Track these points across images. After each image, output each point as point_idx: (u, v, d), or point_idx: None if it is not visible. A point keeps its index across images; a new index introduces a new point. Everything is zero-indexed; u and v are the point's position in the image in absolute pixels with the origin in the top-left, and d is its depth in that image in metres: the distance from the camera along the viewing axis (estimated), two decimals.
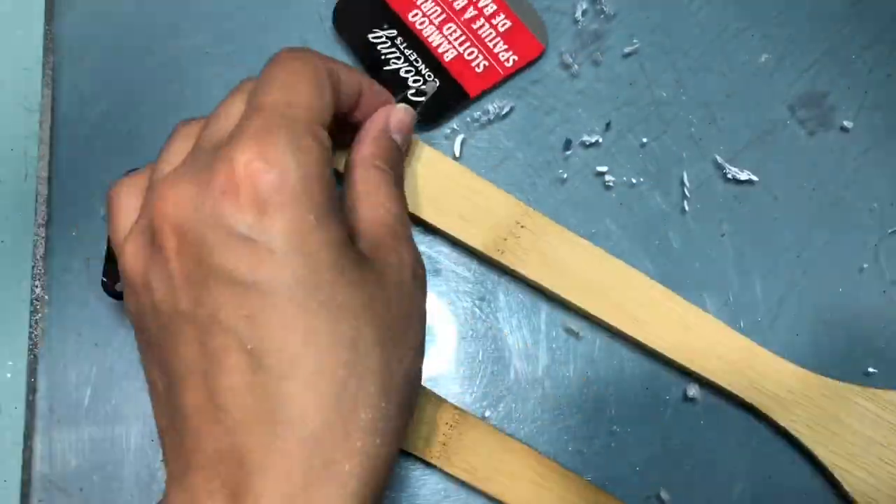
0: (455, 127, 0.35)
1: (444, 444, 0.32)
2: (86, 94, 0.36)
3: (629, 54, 0.37)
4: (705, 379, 0.33)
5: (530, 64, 0.36)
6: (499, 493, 0.31)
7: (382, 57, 0.34)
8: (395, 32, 0.34)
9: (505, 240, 0.33)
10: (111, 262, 0.31)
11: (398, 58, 0.34)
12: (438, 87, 0.34)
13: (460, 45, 0.34)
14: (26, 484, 0.32)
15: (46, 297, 0.34)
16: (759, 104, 0.36)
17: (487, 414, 0.34)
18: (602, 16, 0.37)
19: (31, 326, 0.34)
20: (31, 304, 0.34)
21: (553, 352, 0.34)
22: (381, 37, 0.34)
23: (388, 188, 0.27)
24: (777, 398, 0.32)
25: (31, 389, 0.33)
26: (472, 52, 0.34)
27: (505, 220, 0.33)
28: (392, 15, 0.34)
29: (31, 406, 0.33)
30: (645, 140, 0.36)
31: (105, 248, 0.32)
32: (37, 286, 0.34)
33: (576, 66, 0.36)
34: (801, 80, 0.37)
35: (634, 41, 0.37)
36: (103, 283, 0.31)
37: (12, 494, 0.32)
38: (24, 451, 0.32)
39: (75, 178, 0.35)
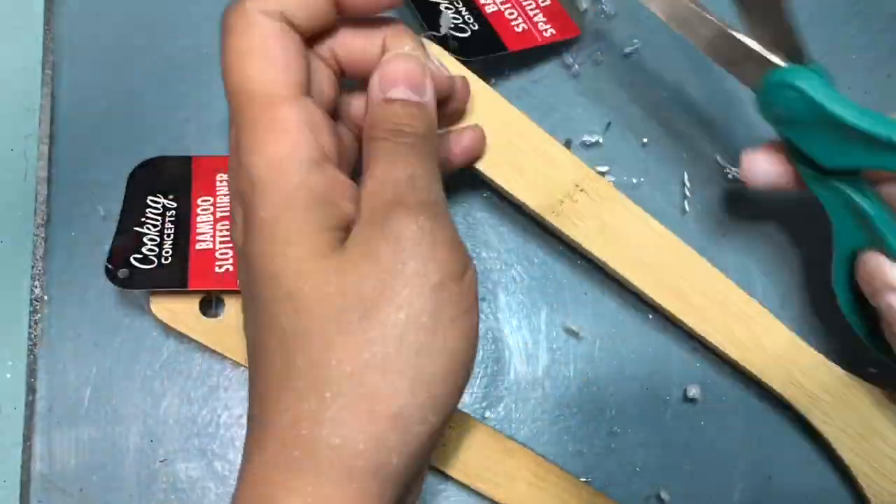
0: None
1: (443, 445, 0.32)
2: (86, 94, 0.36)
3: (629, 54, 0.37)
4: (745, 370, 0.32)
5: (566, 42, 0.36)
6: (496, 494, 0.31)
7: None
8: None
9: (561, 202, 0.31)
10: (116, 248, 0.31)
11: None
12: (476, 30, 0.33)
13: (502, 4, 0.35)
14: (25, 484, 0.32)
15: (46, 297, 0.34)
16: None
17: (487, 414, 0.34)
18: (602, 16, 0.37)
19: (30, 326, 0.34)
20: (31, 304, 0.34)
21: (553, 352, 0.34)
22: None
23: (387, 156, 0.25)
24: (814, 398, 0.31)
25: (31, 389, 0.33)
26: (512, 13, 0.35)
27: (564, 181, 0.31)
28: None
29: (30, 406, 0.33)
30: (645, 140, 0.36)
31: (114, 233, 0.32)
32: (37, 286, 0.34)
33: (576, 66, 0.36)
34: None
35: (634, 41, 0.37)
36: (106, 269, 0.31)
37: (12, 494, 0.32)
38: (23, 451, 0.32)
39: (75, 178, 0.35)
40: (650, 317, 0.34)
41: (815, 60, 0.27)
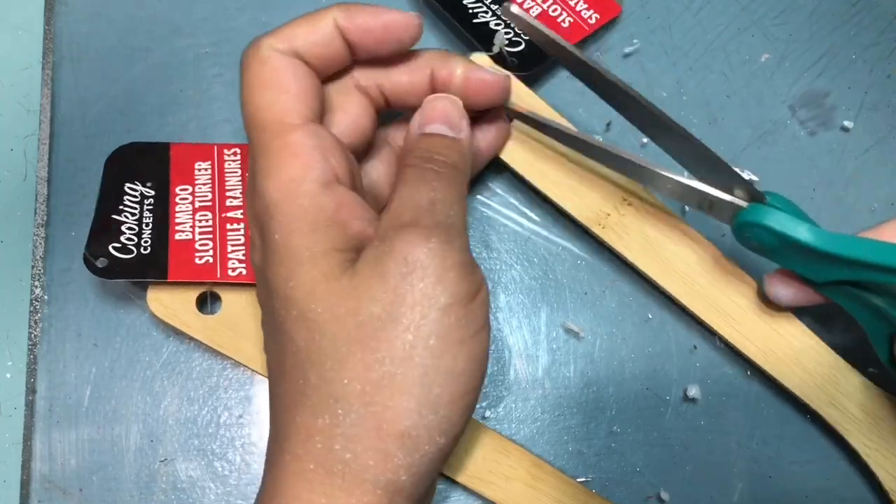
0: None
1: None
2: (85, 94, 0.36)
3: (629, 54, 0.37)
4: (785, 388, 0.32)
5: (611, 22, 0.36)
6: (494, 494, 0.31)
7: (469, 11, 0.34)
8: None
9: (608, 215, 0.32)
10: (94, 235, 0.31)
11: (485, 11, 0.34)
12: (528, 40, 0.34)
13: (543, 2, 0.36)
14: (26, 484, 0.32)
15: (46, 297, 0.34)
16: (759, 104, 0.36)
17: (487, 414, 0.34)
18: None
19: (30, 326, 0.34)
20: (31, 304, 0.34)
21: (553, 352, 0.34)
22: None
23: (413, 180, 0.26)
24: (854, 420, 0.31)
25: (31, 389, 0.33)
26: (555, 10, 0.36)
27: (612, 195, 0.32)
28: None
29: (30, 406, 0.33)
30: (645, 140, 0.36)
31: (91, 223, 0.31)
32: (36, 286, 0.34)
33: None
34: (802, 80, 0.37)
35: (634, 41, 0.37)
36: (84, 258, 0.30)
37: (12, 495, 0.32)
38: (23, 451, 0.32)
39: (75, 178, 0.35)
40: (650, 316, 0.34)
41: (774, 193, 0.28)
